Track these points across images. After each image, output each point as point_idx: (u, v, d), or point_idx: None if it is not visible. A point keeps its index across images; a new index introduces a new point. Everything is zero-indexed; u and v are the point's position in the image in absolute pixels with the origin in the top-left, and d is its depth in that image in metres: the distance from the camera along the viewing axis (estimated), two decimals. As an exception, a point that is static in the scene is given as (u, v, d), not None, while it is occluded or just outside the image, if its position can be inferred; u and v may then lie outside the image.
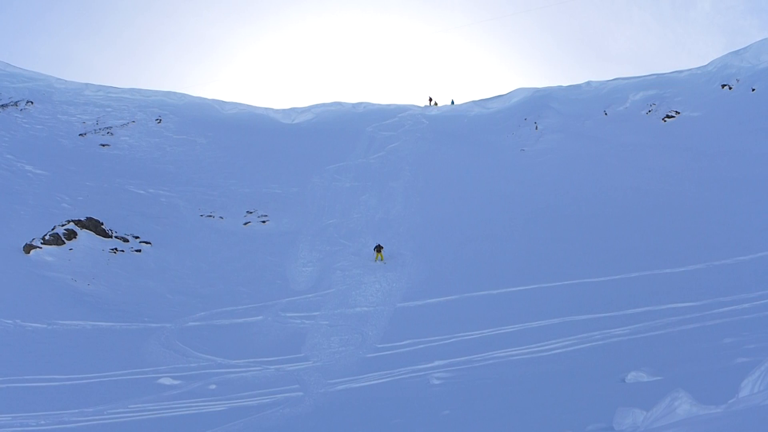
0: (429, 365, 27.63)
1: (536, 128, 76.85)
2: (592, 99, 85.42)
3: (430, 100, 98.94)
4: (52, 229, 46.60)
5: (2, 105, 78.56)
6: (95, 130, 76.44)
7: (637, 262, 39.70)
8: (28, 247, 44.32)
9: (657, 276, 36.79)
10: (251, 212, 58.97)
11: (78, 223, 48.21)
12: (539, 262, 43.06)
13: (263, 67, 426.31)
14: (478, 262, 44.70)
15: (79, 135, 74.37)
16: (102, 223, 49.46)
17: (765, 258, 36.14)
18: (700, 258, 38.16)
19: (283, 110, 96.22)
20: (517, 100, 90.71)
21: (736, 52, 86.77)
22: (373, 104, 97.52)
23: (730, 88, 77.11)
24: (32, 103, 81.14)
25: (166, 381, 28.73)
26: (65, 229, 46.92)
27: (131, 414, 24.56)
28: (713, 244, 40.51)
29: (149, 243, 49.79)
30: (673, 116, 74.44)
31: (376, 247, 47.44)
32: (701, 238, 42.19)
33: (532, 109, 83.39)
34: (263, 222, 57.32)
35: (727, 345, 21.12)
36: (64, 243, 45.89)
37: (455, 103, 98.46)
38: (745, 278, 32.53)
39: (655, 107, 77.86)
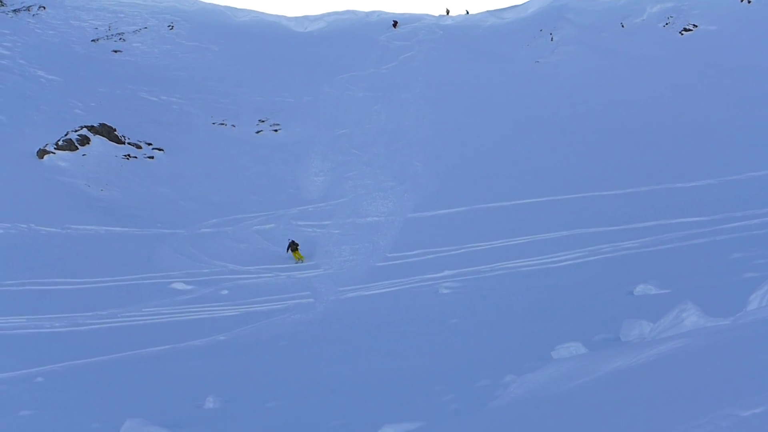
0: (438, 275, 27.88)
1: (552, 40, 75.75)
2: (608, 10, 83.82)
3: (447, 12, 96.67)
4: (66, 135, 46.72)
5: (15, 10, 77.80)
6: (107, 36, 75.86)
7: (649, 176, 39.57)
8: (42, 152, 44.50)
9: (668, 190, 36.70)
10: (263, 121, 58.88)
11: (91, 128, 48.33)
12: (551, 174, 42.94)
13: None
14: (489, 174, 44.60)
15: (92, 41, 73.88)
16: (115, 129, 49.55)
17: (777, 174, 36.00)
18: (712, 173, 37.99)
19: (296, 18, 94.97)
20: (532, 10, 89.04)
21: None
22: (387, 13, 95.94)
23: (749, 2, 75.56)
24: (44, 8, 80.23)
25: (179, 286, 29.16)
26: (78, 135, 47.04)
27: (144, 317, 25.00)
28: (726, 159, 40.24)
29: (162, 150, 49.90)
30: (690, 29, 73.21)
31: (290, 245, 34.81)
32: (714, 154, 41.92)
33: (547, 20, 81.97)
34: (275, 131, 57.25)
35: (736, 260, 21.14)
36: (78, 149, 46.06)
37: (470, 13, 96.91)
38: (756, 194, 32.39)
39: (672, 20, 76.51)
